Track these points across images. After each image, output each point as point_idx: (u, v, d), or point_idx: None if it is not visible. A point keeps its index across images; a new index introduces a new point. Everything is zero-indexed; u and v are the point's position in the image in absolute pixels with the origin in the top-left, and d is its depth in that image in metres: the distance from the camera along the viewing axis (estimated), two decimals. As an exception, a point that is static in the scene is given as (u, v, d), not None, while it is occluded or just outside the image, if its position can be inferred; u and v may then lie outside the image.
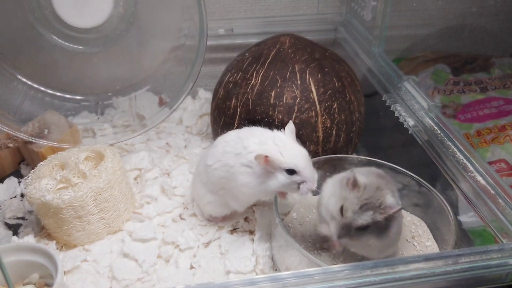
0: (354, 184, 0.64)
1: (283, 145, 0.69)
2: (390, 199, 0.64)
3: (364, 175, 0.68)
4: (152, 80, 1.03)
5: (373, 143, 1.04)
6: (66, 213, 0.75)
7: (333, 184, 0.70)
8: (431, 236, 0.78)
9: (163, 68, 1.01)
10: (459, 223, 0.77)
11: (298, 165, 0.67)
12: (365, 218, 0.63)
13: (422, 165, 0.82)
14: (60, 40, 0.93)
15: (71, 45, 0.94)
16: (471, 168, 0.71)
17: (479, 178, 0.69)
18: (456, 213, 0.78)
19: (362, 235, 0.65)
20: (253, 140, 0.72)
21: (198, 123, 1.12)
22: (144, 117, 1.00)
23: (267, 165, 0.68)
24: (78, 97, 1.01)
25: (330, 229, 0.66)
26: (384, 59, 1.01)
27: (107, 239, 0.81)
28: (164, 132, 1.09)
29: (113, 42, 0.96)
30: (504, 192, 0.66)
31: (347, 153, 0.91)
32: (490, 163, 0.90)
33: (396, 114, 0.87)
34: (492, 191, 0.67)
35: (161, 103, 1.04)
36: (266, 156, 0.67)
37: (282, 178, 0.68)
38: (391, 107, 0.89)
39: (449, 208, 0.72)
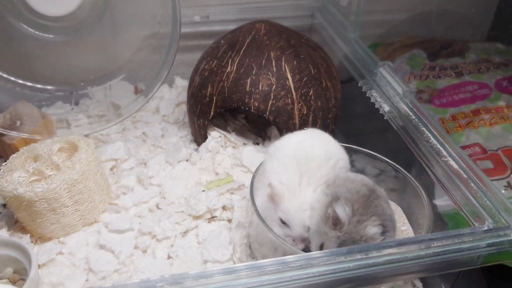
0: (336, 223, 0.62)
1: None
2: (372, 230, 0.62)
3: (347, 190, 0.65)
4: (127, 69, 1.01)
5: (349, 129, 1.04)
6: (39, 206, 0.73)
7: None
8: (406, 221, 0.79)
9: (137, 56, 0.99)
10: (434, 207, 0.78)
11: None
12: None
13: (398, 151, 0.82)
14: (30, 29, 0.91)
15: (42, 34, 0.92)
16: (444, 153, 0.72)
17: (452, 163, 0.70)
18: (431, 197, 0.79)
19: None
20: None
21: (175, 111, 1.11)
22: (119, 107, 0.99)
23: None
24: (50, 87, 0.99)
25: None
26: (360, 45, 1.01)
27: (82, 231, 0.80)
28: (140, 121, 1.07)
29: (85, 30, 0.94)
30: (476, 176, 0.67)
31: (324, 140, 0.91)
32: (464, 147, 0.91)
33: (372, 100, 0.87)
34: (465, 175, 0.67)
35: (137, 92, 1.03)
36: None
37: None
38: (367, 93, 0.89)
39: (423, 192, 0.73)
